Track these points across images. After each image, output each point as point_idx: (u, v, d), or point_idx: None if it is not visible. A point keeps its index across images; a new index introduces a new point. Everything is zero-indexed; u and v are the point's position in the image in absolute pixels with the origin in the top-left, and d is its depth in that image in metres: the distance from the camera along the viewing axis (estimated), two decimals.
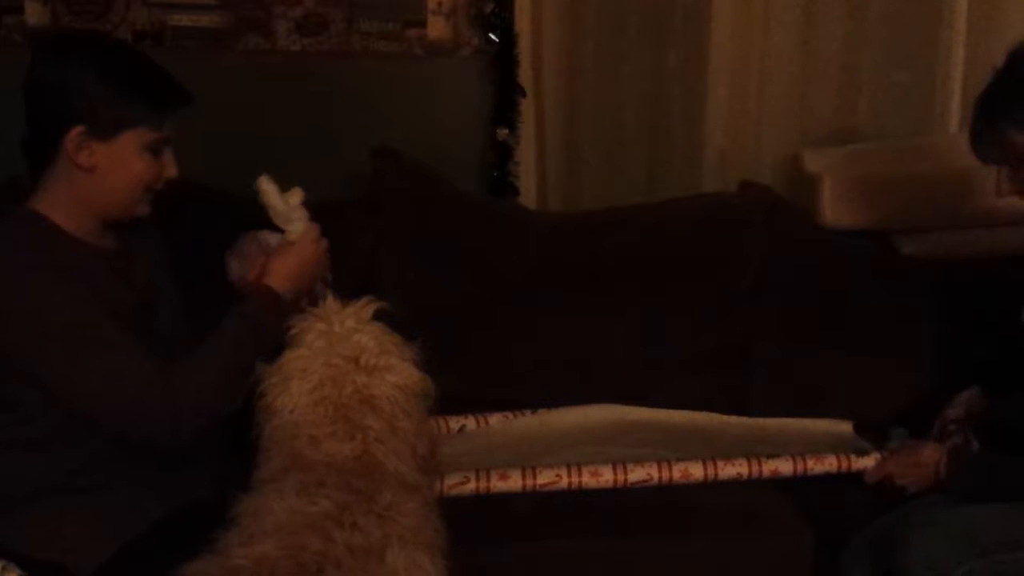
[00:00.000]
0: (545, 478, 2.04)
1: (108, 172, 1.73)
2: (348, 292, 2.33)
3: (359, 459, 1.51)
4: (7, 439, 1.72)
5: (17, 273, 1.66)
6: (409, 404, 1.58)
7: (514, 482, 2.03)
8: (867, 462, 2.05)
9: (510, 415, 2.35)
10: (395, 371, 1.58)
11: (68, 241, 1.74)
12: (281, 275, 1.83)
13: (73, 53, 1.75)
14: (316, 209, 2.54)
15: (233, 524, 1.46)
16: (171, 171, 1.80)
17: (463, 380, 2.44)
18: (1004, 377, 2.05)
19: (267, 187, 1.88)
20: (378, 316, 1.64)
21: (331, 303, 1.63)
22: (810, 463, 2.06)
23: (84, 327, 1.65)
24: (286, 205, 1.88)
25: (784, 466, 2.07)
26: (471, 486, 2.02)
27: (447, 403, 2.33)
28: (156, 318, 1.83)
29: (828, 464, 2.06)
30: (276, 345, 1.65)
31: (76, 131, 1.69)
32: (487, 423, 2.33)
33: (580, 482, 2.04)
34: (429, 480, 1.62)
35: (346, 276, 2.43)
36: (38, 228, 1.73)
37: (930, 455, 1.93)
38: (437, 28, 2.81)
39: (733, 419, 2.42)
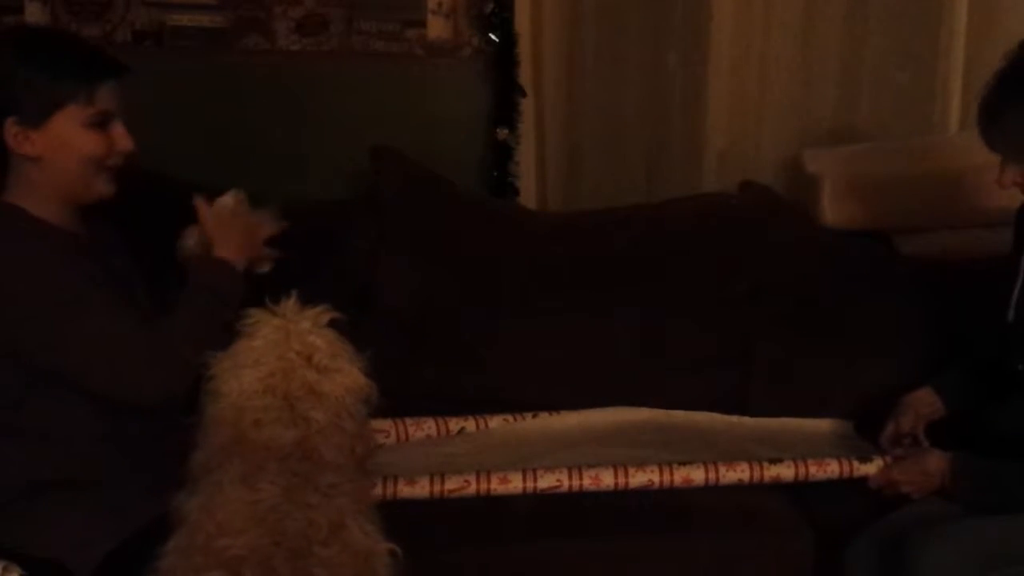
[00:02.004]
0: (546, 482, 2.03)
1: (54, 156, 1.74)
2: (348, 292, 2.37)
3: (300, 445, 1.54)
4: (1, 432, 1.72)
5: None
6: (354, 407, 1.61)
7: (514, 486, 2.03)
8: (870, 468, 2.03)
9: (510, 418, 2.35)
10: (344, 373, 1.61)
11: (44, 228, 1.75)
12: (229, 244, 1.83)
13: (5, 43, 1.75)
14: (317, 209, 2.58)
15: (179, 522, 1.48)
16: (124, 144, 1.79)
17: (461, 380, 2.45)
18: (996, 378, 2.05)
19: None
20: (332, 325, 1.66)
21: (291, 303, 1.64)
22: (812, 469, 2.05)
23: (65, 295, 1.67)
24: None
25: (786, 472, 2.06)
26: (471, 489, 2.01)
27: (447, 403, 2.36)
28: (133, 299, 1.84)
29: (830, 470, 2.04)
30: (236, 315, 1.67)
31: (9, 123, 1.70)
32: (487, 426, 2.33)
33: (581, 486, 2.04)
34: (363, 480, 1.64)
35: (346, 276, 2.46)
36: (12, 218, 1.74)
37: (936, 463, 1.92)
38: (437, 28, 2.81)
39: (734, 419, 2.41)
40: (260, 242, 1.90)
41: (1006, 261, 2.07)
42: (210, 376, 1.60)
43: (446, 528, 1.96)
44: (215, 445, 1.55)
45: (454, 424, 2.31)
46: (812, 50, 2.85)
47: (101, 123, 1.76)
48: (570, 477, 2.03)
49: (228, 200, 1.89)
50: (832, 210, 2.59)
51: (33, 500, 1.72)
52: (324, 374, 1.59)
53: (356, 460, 1.60)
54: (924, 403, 2.11)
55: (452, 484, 2.00)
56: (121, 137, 1.78)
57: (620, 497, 2.05)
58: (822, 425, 2.36)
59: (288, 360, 1.58)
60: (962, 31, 2.82)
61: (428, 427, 2.29)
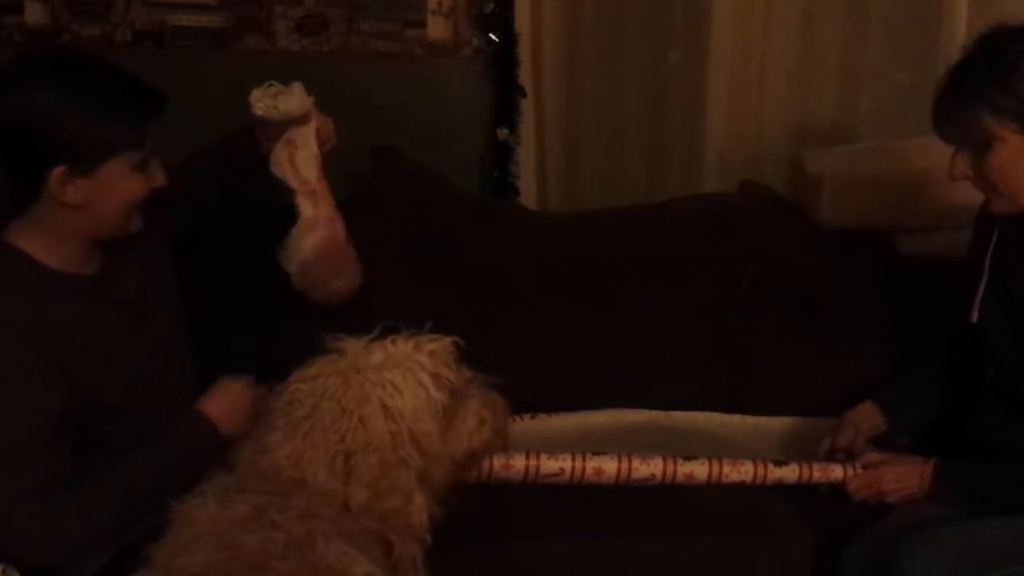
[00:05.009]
0: (548, 469, 1.99)
1: (99, 203, 1.64)
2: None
3: (285, 468, 1.51)
4: None
5: None
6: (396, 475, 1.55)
7: (517, 471, 1.98)
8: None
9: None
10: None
11: (42, 278, 1.66)
12: (218, 407, 1.73)
13: (31, 83, 1.59)
14: None
15: (164, 531, 1.47)
16: (158, 181, 1.70)
17: None
18: (968, 381, 2.05)
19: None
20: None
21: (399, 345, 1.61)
22: (816, 473, 2.02)
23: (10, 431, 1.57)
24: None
25: (790, 475, 2.03)
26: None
27: None
28: (146, 326, 1.79)
29: (834, 476, 2.02)
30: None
31: (58, 172, 1.58)
32: None
33: (583, 472, 2.01)
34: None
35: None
36: (10, 269, 1.65)
37: (915, 470, 1.92)
38: (437, 28, 2.81)
39: (735, 418, 2.42)
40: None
41: (974, 260, 2.06)
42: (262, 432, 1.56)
43: (446, 528, 1.95)
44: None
45: None
46: (812, 50, 2.85)
47: (145, 164, 1.66)
48: (573, 462, 2.00)
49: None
50: (832, 210, 2.58)
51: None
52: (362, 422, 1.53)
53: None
54: (865, 419, 2.11)
55: None
56: (157, 175, 1.69)
57: (621, 496, 2.05)
58: (821, 424, 2.36)
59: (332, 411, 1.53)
60: (962, 31, 2.81)
61: None
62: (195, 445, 1.69)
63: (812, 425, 2.37)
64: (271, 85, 1.90)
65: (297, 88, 1.91)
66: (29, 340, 1.59)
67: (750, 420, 2.42)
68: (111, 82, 1.63)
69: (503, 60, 2.77)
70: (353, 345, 1.59)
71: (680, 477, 2.03)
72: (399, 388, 1.55)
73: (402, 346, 1.60)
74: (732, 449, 2.24)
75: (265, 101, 1.88)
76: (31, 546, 1.59)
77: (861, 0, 2.83)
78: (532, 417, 2.35)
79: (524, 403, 2.38)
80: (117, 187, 1.64)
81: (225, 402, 1.74)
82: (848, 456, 2.06)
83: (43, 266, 1.66)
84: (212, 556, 1.39)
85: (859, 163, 2.65)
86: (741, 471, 2.04)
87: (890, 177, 2.59)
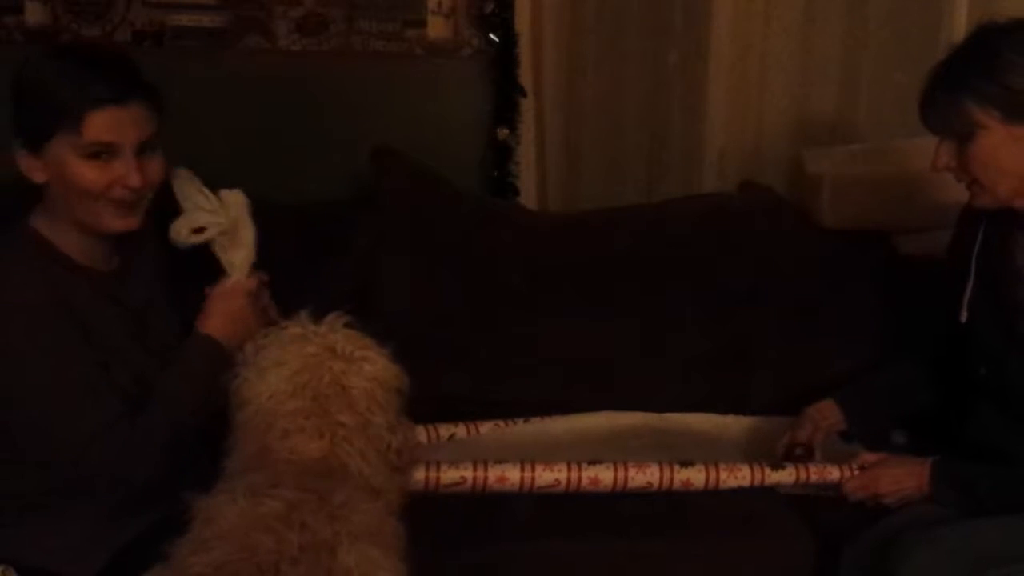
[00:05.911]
0: (544, 480, 2.01)
1: (57, 185, 1.66)
2: (348, 292, 2.37)
3: (323, 459, 1.51)
4: None
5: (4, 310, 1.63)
6: (384, 398, 1.58)
7: (511, 483, 2.01)
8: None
9: (501, 423, 2.33)
10: (371, 362, 1.58)
11: (56, 262, 1.70)
12: (218, 322, 1.77)
13: (32, 60, 1.68)
14: (317, 209, 2.58)
15: (187, 529, 1.45)
16: (129, 180, 1.65)
17: (462, 380, 2.45)
18: (954, 381, 2.05)
19: (185, 184, 1.81)
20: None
21: (303, 316, 1.62)
22: (813, 476, 2.03)
23: (57, 374, 1.63)
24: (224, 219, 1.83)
25: (787, 478, 2.04)
26: (467, 485, 2.00)
27: (445, 403, 2.36)
28: (147, 336, 1.80)
29: (831, 477, 2.02)
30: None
31: (16, 146, 1.67)
32: (478, 431, 2.31)
33: (579, 483, 2.02)
34: (400, 477, 1.61)
35: (346, 276, 2.46)
36: (32, 252, 1.69)
37: (914, 470, 1.92)
38: (437, 28, 2.81)
39: (728, 419, 2.41)
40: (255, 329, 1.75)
41: (957, 260, 2.06)
42: (236, 385, 1.57)
43: (446, 528, 1.96)
44: (247, 452, 1.54)
45: (444, 431, 2.27)
46: (812, 50, 2.85)
47: (97, 154, 1.64)
48: (569, 472, 2.01)
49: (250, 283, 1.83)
50: (832, 210, 2.58)
51: (30, 512, 1.71)
52: (351, 363, 1.56)
53: (393, 455, 1.57)
54: (824, 415, 2.12)
55: (448, 479, 1.99)
56: (128, 172, 1.65)
57: (619, 499, 2.05)
58: None
59: (312, 355, 1.55)
60: (962, 31, 2.81)
61: (418, 434, 2.27)
62: (204, 364, 1.73)
63: None
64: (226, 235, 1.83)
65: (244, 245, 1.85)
66: (49, 311, 1.64)
67: (745, 420, 2.41)
68: (68, 65, 1.66)
69: (503, 60, 2.77)
70: (300, 343, 1.58)
71: (677, 484, 2.04)
72: (372, 359, 1.59)
73: (321, 328, 1.60)
74: (728, 449, 2.24)
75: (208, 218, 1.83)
76: (108, 478, 1.66)
77: (861, 0, 2.83)
78: (525, 421, 2.34)
79: (523, 403, 2.38)
80: (65, 171, 1.65)
81: (221, 315, 1.78)
82: (807, 452, 2.07)
83: (59, 251, 1.71)
84: (224, 556, 1.38)
85: (859, 163, 2.65)
86: (738, 476, 2.04)
87: (890, 177, 2.59)
